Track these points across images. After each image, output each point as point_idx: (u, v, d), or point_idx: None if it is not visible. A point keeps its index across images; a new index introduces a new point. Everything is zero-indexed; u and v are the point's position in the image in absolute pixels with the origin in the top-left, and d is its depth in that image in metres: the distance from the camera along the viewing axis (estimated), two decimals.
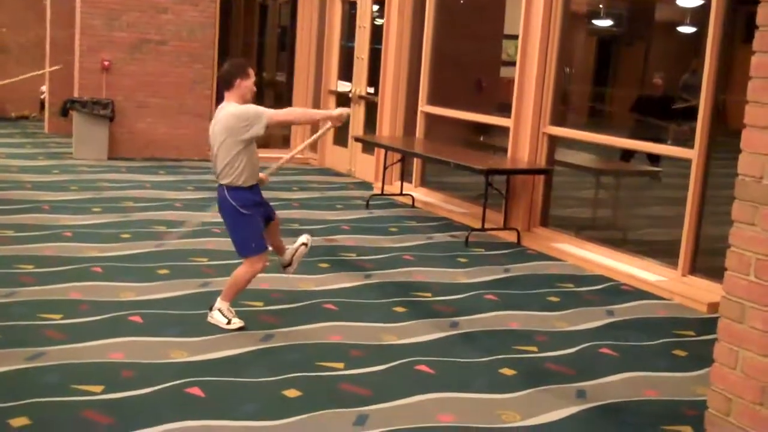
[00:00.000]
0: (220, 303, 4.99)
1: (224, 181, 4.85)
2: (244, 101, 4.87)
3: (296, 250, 5.37)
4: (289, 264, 5.40)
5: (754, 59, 3.12)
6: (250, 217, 4.90)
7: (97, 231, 7.02)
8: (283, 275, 5.67)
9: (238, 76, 4.83)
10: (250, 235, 4.92)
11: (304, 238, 5.42)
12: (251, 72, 4.90)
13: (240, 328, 4.90)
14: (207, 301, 5.35)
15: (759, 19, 3.10)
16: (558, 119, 7.94)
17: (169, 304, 5.29)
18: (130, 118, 11.15)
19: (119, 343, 4.58)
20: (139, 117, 11.21)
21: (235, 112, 4.76)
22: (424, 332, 5.11)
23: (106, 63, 10.90)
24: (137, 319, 4.98)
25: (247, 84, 4.85)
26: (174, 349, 4.53)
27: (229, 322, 4.93)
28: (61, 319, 4.89)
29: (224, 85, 4.87)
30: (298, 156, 12.12)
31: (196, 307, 5.25)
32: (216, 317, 4.97)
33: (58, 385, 3.97)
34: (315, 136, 5.67)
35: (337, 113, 5.13)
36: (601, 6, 11.56)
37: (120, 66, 10.97)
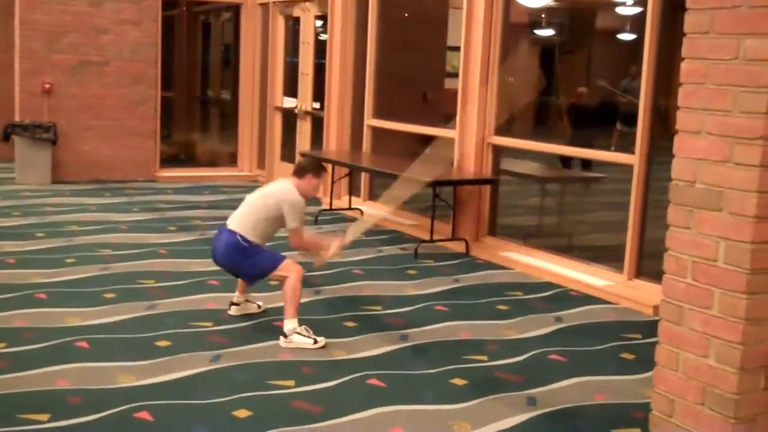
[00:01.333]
0: (290, 324, 5.05)
1: (238, 229, 5.16)
2: (304, 195, 5.23)
3: (248, 309, 5.63)
4: (237, 306, 5.58)
5: (683, 66, 3.19)
6: (257, 247, 5.18)
7: (42, 256, 6.91)
8: (231, 294, 5.65)
9: (311, 172, 5.25)
10: (266, 256, 5.19)
11: (257, 306, 5.68)
12: (323, 176, 5.37)
13: (323, 346, 5.01)
14: (155, 323, 5.31)
15: (687, 27, 3.18)
16: (502, 129, 8.02)
17: (116, 329, 5.22)
18: (74, 140, 11.00)
19: (65, 369, 4.50)
20: (83, 139, 11.07)
21: (292, 201, 5.15)
22: (375, 346, 5.11)
23: (47, 85, 10.75)
24: (84, 344, 4.90)
25: (314, 183, 5.27)
26: (122, 374, 4.48)
27: (315, 342, 5.01)
28: (5, 347, 4.79)
29: (297, 172, 5.27)
30: (243, 173, 12.09)
31: (144, 330, 5.19)
32: (297, 340, 5.01)
33: (3, 415, 3.89)
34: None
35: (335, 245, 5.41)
36: (542, 15, 11.71)
37: (61, 88, 10.83)
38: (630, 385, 4.64)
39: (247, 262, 5.19)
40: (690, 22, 3.17)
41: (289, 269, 5.10)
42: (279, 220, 5.20)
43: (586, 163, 9.31)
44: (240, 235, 5.13)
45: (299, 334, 5.03)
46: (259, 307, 5.67)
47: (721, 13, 3.05)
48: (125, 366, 4.59)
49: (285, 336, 5.04)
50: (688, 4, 3.18)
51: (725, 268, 3.06)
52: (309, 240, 5.52)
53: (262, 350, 4.95)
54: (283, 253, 5.30)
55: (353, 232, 5.62)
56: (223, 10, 13.81)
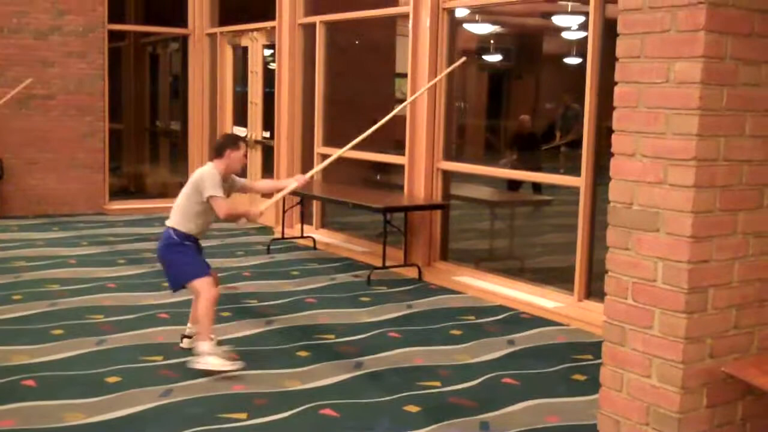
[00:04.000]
0: (202, 346, 5.02)
1: (171, 224, 5.24)
2: (230, 171, 5.28)
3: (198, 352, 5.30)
4: (189, 338, 5.47)
5: (616, 89, 3.25)
6: (188, 248, 5.21)
7: None
8: (182, 326, 5.60)
9: (228, 147, 5.25)
10: (189, 262, 5.19)
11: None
12: (242, 145, 5.32)
13: (238, 369, 4.99)
14: (105, 359, 5.24)
15: (618, 51, 3.24)
16: (451, 154, 8.08)
17: (64, 365, 5.14)
18: (20, 174, 10.85)
19: (11, 409, 4.42)
20: (29, 173, 10.93)
21: (203, 173, 5.16)
22: (329, 375, 5.09)
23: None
24: (30, 383, 4.82)
25: (235, 155, 5.24)
26: (70, 412, 4.40)
27: (228, 371, 4.99)
28: None
29: (215, 153, 5.27)
30: None
31: (93, 366, 5.12)
32: (213, 362, 5.00)
33: None
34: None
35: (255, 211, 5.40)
36: (491, 41, 11.85)
37: (6, 122, 10.68)
38: (582, 406, 4.67)
39: (171, 258, 5.24)
40: (622, 46, 3.24)
41: (203, 288, 5.10)
42: (206, 204, 5.17)
43: (537, 187, 9.44)
44: (173, 229, 5.23)
45: (214, 356, 5.01)
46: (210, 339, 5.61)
47: (651, 37, 3.12)
48: (73, 404, 4.52)
49: (197, 356, 5.03)
50: (620, 29, 3.25)
51: (664, 288, 3.11)
52: (233, 206, 5.41)
53: (213, 383, 4.90)
54: (208, 271, 5.26)
55: (270, 202, 5.68)
56: (171, 40, 13.77)
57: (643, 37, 3.15)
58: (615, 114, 3.24)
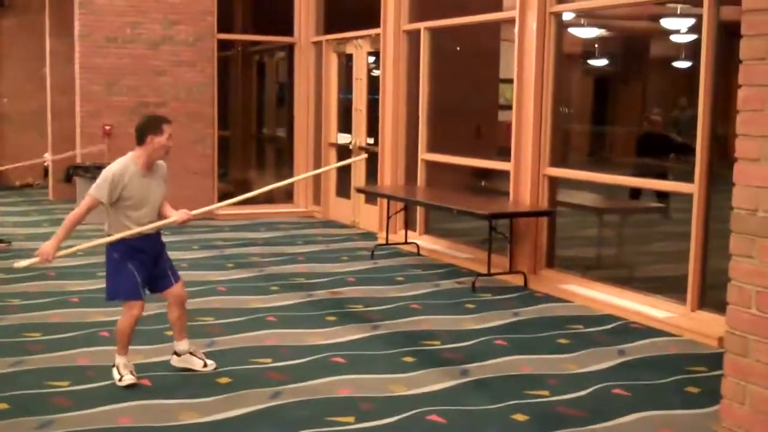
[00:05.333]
0: (117, 359, 4.93)
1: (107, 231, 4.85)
2: (153, 159, 4.84)
3: (191, 364, 5.19)
4: (178, 356, 5.21)
5: (740, 93, 3.15)
6: (121, 262, 4.83)
7: (103, 295, 7.00)
8: (289, 330, 5.67)
9: (150, 132, 4.75)
10: (119, 279, 4.86)
11: (208, 366, 5.21)
12: (166, 129, 4.79)
13: (129, 386, 4.82)
14: (215, 360, 5.33)
15: (742, 53, 3.14)
16: (558, 160, 7.97)
17: (176, 366, 5.26)
18: None
19: (127, 407, 4.55)
20: None
21: (106, 168, 4.77)
22: (434, 381, 5.07)
23: (107, 128, 11.00)
24: (146, 382, 4.96)
25: (159, 140, 4.76)
26: (184, 411, 4.51)
27: (120, 379, 4.86)
28: (69, 386, 4.88)
29: (137, 139, 4.80)
30: (299, 210, 12.18)
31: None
32: (113, 373, 4.92)
33: None
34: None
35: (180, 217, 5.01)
36: (596, 45, 11.67)
37: (121, 130, 11.06)
38: (696, 420, 4.53)
39: (107, 268, 4.93)
40: (745, 48, 3.13)
41: (126, 309, 4.89)
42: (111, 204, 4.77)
43: (662, 194, 9.09)
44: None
45: (117, 370, 4.89)
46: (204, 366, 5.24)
47: None
48: (187, 403, 4.63)
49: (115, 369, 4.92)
50: (743, 30, 3.14)
51: None
52: (79, 214, 4.73)
53: (320, 386, 4.95)
54: (141, 296, 4.93)
55: (206, 209, 5.39)
56: (277, 49, 14.02)
57: None
58: (738, 118, 3.14)
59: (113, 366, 4.96)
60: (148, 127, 4.77)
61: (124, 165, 4.76)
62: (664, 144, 9.44)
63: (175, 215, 5.02)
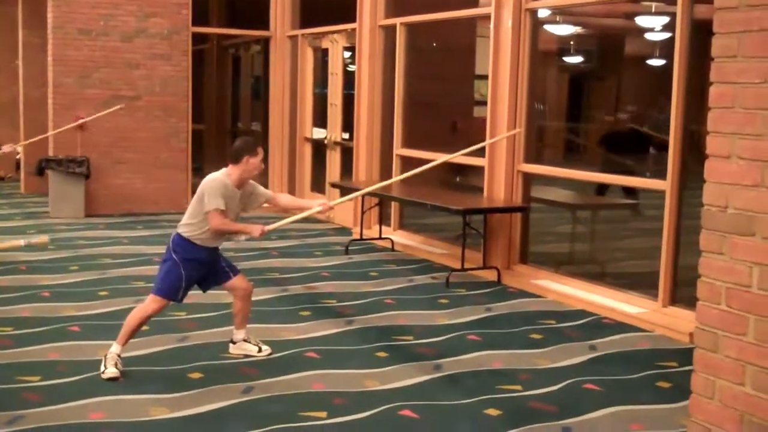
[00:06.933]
0: (114, 347, 4.99)
1: (180, 230, 5.04)
2: (245, 178, 5.09)
3: (247, 351, 5.42)
4: (234, 343, 5.44)
5: (711, 90, 3.16)
6: (177, 266, 5.00)
7: (75, 289, 6.97)
8: (263, 324, 5.65)
9: (246, 153, 5.04)
10: (167, 278, 5.03)
11: (263, 351, 5.44)
12: (260, 151, 5.10)
13: (111, 378, 4.84)
14: (187, 355, 5.33)
15: (714, 51, 3.15)
16: (533, 156, 8.00)
17: (148, 361, 5.25)
18: (106, 174, 11.13)
19: (99, 402, 4.53)
20: (115, 173, 11.20)
21: (207, 184, 4.98)
22: (407, 376, 5.08)
23: (81, 120, 10.88)
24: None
25: (254, 161, 5.05)
26: (154, 406, 4.49)
27: (104, 371, 4.90)
28: (40, 380, 4.83)
29: (232, 158, 5.05)
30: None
31: (175, 362, 5.21)
32: (102, 361, 4.97)
33: None
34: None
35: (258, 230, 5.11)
36: (571, 42, 11.71)
37: (94, 123, 10.96)
38: (666, 414, 4.57)
39: (161, 265, 5.12)
40: (717, 46, 3.14)
41: (150, 301, 5.05)
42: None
43: (630, 190, 9.16)
44: (177, 233, 5.05)
45: (104, 361, 4.94)
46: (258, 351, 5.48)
47: (748, 36, 3.02)
48: (158, 398, 4.61)
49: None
50: (715, 28, 3.15)
51: (759, 294, 3.01)
52: (228, 223, 5.02)
53: (293, 381, 4.94)
54: (176, 299, 5.10)
55: (280, 223, 5.46)
56: (253, 43, 13.96)
57: (740, 36, 3.05)
58: (710, 115, 3.15)
59: (108, 355, 4.97)
60: (245, 149, 5.06)
61: (224, 178, 5.02)
62: (637, 140, 9.51)
63: (316, 206, 5.38)
